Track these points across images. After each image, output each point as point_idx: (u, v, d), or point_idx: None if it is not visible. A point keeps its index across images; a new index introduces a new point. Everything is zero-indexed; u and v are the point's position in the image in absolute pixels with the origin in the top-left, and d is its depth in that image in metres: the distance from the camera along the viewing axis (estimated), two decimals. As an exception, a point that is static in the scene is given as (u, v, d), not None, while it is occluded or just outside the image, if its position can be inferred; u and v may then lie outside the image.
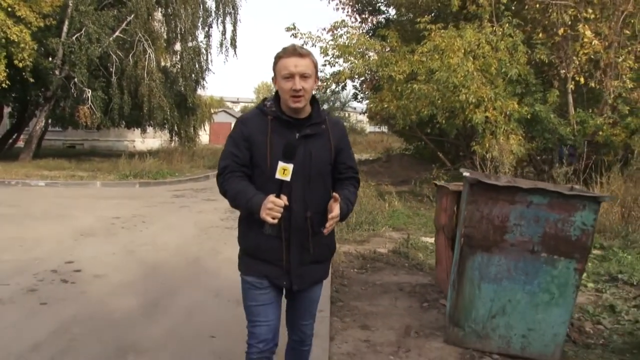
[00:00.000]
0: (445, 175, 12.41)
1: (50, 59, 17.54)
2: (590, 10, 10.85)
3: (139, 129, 23.16)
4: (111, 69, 18.51)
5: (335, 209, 2.31)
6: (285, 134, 2.33)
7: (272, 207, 2.19)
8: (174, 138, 22.64)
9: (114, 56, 18.19)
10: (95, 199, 11.36)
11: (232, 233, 7.92)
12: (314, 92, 2.42)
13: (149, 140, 28.50)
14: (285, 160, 2.21)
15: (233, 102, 70.01)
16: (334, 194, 2.33)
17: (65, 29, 17.50)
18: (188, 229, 8.33)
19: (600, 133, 10.91)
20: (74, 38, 17.20)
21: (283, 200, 2.21)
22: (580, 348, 4.03)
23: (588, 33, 10.39)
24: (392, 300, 4.89)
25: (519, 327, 3.69)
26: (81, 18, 17.27)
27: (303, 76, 2.30)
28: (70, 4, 17.31)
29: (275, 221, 2.21)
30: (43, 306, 4.50)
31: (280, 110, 2.39)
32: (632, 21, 11.07)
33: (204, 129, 27.37)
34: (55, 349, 3.63)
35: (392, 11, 17.82)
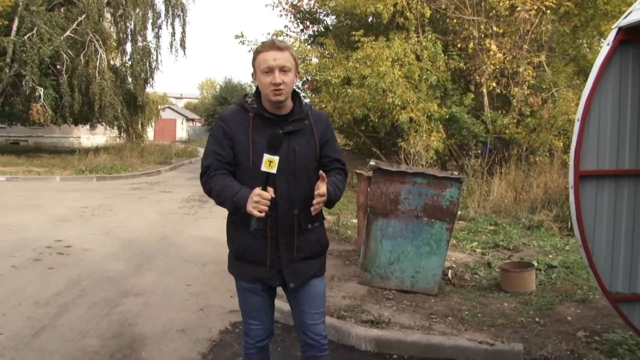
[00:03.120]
0: (377, 167, 13.98)
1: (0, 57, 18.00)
2: (495, 28, 12.72)
3: (85, 125, 23.69)
4: (62, 68, 19.15)
5: (322, 187, 2.24)
6: (267, 132, 2.26)
7: (259, 200, 2.14)
8: (122, 135, 23.32)
9: (65, 55, 18.80)
10: (58, 192, 12.32)
11: (190, 218, 9.39)
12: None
13: (95, 136, 28.91)
14: (271, 153, 2.17)
15: (177, 98, 70.00)
16: (320, 172, 2.27)
17: (15, 27, 18.01)
18: (151, 215, 9.54)
19: (507, 131, 12.80)
20: (25, 37, 17.75)
21: (269, 193, 2.17)
22: (456, 288, 5.65)
23: (493, 47, 12.27)
24: (324, 261, 6.36)
25: (409, 270, 5.23)
26: (32, 18, 17.80)
27: (282, 69, 2.26)
28: (21, 4, 17.83)
29: (263, 214, 2.15)
30: (51, 270, 5.73)
31: (261, 107, 2.35)
32: (534, 36, 13.04)
33: (151, 126, 28.07)
34: (74, 294, 4.92)
35: (332, 17, 19.29)
